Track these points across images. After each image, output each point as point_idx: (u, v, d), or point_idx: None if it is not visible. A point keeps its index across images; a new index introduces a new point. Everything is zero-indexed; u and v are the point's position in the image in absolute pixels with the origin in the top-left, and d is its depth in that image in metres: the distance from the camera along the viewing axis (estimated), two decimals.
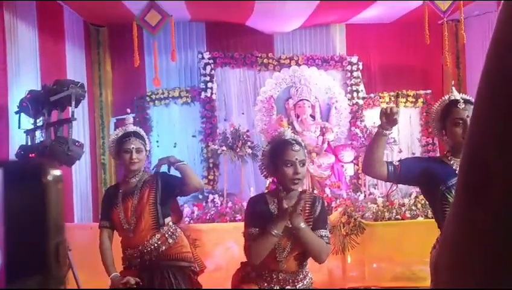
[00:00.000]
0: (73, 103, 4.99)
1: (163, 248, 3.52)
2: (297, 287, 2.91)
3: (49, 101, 5.08)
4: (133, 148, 3.56)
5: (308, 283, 2.97)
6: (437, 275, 0.64)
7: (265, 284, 2.93)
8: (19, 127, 5.41)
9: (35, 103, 5.19)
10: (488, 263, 0.56)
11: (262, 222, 2.91)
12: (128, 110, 4.06)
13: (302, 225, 2.83)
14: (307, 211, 2.98)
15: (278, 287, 2.90)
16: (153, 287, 3.42)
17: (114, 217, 3.56)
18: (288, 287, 2.90)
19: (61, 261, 0.71)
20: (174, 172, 3.78)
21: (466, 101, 3.01)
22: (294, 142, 2.96)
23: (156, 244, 3.51)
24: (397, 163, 3.04)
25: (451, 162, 2.99)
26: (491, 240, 0.55)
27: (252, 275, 2.98)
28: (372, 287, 5.50)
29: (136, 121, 8.68)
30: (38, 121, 5.29)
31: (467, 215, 0.59)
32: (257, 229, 2.90)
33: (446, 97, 3.18)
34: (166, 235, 3.55)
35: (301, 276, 2.96)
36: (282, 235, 2.85)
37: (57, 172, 0.74)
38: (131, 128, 3.76)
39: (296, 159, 2.92)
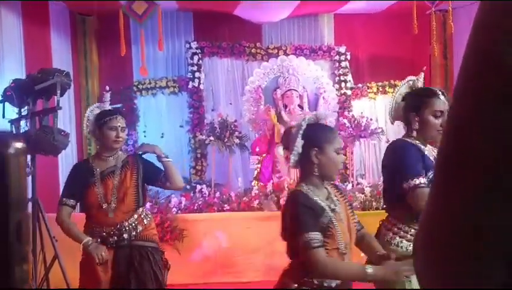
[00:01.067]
0: (58, 92, 4.92)
1: (140, 228, 3.51)
2: None
3: (34, 90, 5.01)
4: (119, 126, 3.53)
5: None
6: (414, 256, 0.64)
7: None
8: (3, 117, 5.33)
9: (19, 92, 5.11)
10: (468, 239, 0.55)
11: (319, 222, 2.43)
12: (106, 94, 3.96)
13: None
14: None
15: None
16: (131, 265, 3.43)
17: (89, 195, 3.51)
18: None
19: (23, 239, 0.67)
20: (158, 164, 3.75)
21: (443, 94, 3.00)
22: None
23: (133, 224, 3.50)
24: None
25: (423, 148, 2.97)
26: (470, 216, 0.55)
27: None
28: None
29: (122, 111, 8.65)
30: (23, 110, 5.21)
31: (445, 194, 0.59)
32: (318, 233, 2.37)
33: (411, 81, 3.16)
34: (142, 216, 3.56)
35: None
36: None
37: (18, 144, 0.69)
38: (110, 106, 3.73)
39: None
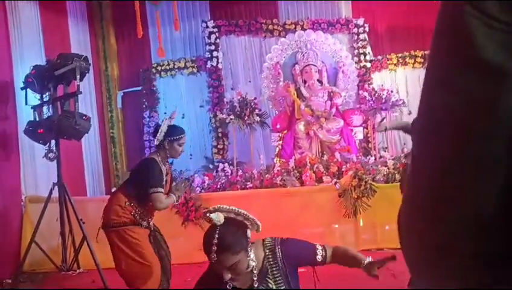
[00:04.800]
0: (77, 77, 4.98)
1: None
2: None
3: (54, 75, 5.07)
4: (183, 144, 4.08)
5: None
6: (398, 232, 0.64)
7: None
8: (26, 103, 5.42)
9: (40, 78, 5.18)
10: (439, 203, 0.55)
11: None
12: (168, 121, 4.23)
13: None
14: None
15: None
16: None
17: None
18: None
19: None
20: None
21: None
22: None
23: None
24: None
25: None
26: (438, 179, 0.55)
27: None
28: (385, 249, 5.52)
29: (143, 93, 8.71)
30: (44, 96, 5.30)
31: (417, 159, 0.58)
32: None
33: None
34: None
35: None
36: None
37: None
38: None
39: None
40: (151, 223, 3.99)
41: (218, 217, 2.31)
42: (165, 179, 3.94)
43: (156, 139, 4.00)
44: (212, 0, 8.74)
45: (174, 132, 4.01)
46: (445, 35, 0.55)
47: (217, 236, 2.25)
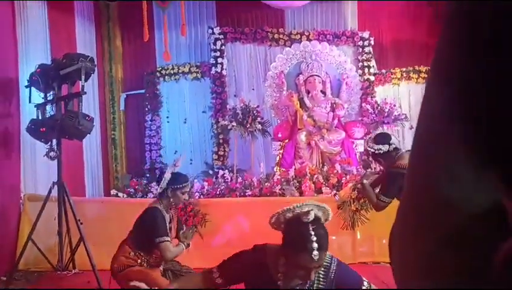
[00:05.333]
0: (83, 77, 4.99)
1: None
2: None
3: (59, 75, 5.08)
4: (187, 192, 4.07)
5: None
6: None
7: None
8: (30, 102, 5.43)
9: (45, 77, 5.19)
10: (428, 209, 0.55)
11: None
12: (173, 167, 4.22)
13: None
14: None
15: None
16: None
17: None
18: None
19: None
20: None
21: None
22: None
23: None
24: None
25: None
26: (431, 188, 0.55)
27: None
28: (382, 262, 5.51)
29: (146, 96, 8.73)
30: (48, 95, 5.30)
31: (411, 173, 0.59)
32: None
33: None
34: None
35: None
36: None
37: None
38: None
39: None
40: (161, 267, 4.01)
41: (315, 214, 2.29)
42: (169, 226, 3.90)
43: (159, 187, 3.97)
44: (219, 6, 8.77)
45: (178, 180, 3.94)
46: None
47: (313, 233, 2.22)
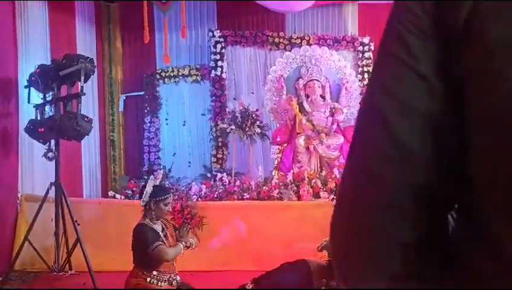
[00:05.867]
0: (82, 78, 4.99)
1: None
2: None
3: (58, 75, 5.08)
4: (169, 203, 4.11)
5: None
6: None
7: None
8: (29, 102, 5.43)
9: (44, 78, 5.19)
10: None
11: None
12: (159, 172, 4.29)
13: None
14: None
15: None
16: None
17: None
18: None
19: None
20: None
21: None
22: None
23: None
24: None
25: None
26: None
27: None
28: None
29: (145, 98, 8.72)
30: (47, 95, 5.30)
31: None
32: None
33: None
34: None
35: None
36: None
37: None
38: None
39: None
40: (174, 282, 4.02)
41: None
42: (163, 235, 3.96)
43: (141, 201, 4.02)
44: (220, 9, 8.77)
45: (160, 192, 4.04)
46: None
47: None
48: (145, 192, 3.99)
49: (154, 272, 3.91)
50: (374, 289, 0.56)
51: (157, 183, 4.16)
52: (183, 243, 3.97)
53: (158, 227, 3.98)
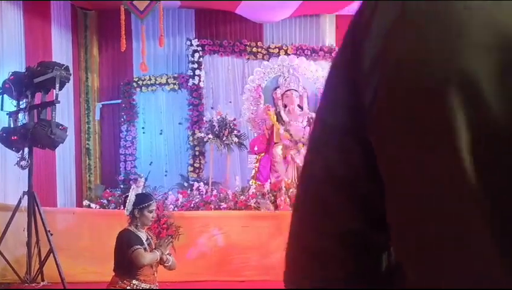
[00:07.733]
0: (57, 86, 4.92)
1: None
2: None
3: (32, 83, 5.00)
4: (153, 210, 4.09)
5: None
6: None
7: None
8: (1, 109, 5.33)
9: (18, 85, 5.10)
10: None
11: None
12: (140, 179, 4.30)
13: None
14: None
15: None
16: None
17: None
18: None
19: None
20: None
21: None
22: None
23: None
24: None
25: None
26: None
27: None
28: None
29: (122, 107, 8.65)
30: (21, 103, 5.21)
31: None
32: None
33: None
34: None
35: None
36: None
37: None
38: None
39: None
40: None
41: None
42: (146, 244, 3.94)
43: (125, 210, 4.02)
44: (198, 18, 8.77)
45: (143, 199, 4.05)
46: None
47: None
48: (128, 201, 3.98)
49: (134, 281, 3.87)
50: None
51: (139, 191, 4.14)
52: (160, 252, 3.94)
53: (143, 235, 3.98)
